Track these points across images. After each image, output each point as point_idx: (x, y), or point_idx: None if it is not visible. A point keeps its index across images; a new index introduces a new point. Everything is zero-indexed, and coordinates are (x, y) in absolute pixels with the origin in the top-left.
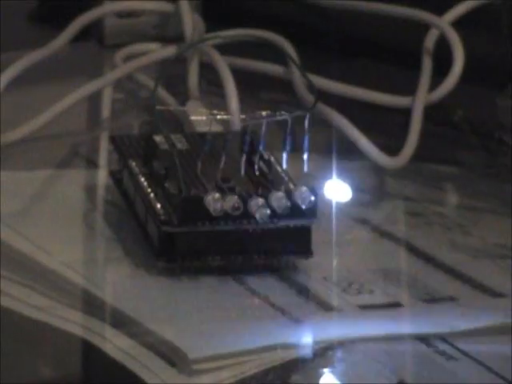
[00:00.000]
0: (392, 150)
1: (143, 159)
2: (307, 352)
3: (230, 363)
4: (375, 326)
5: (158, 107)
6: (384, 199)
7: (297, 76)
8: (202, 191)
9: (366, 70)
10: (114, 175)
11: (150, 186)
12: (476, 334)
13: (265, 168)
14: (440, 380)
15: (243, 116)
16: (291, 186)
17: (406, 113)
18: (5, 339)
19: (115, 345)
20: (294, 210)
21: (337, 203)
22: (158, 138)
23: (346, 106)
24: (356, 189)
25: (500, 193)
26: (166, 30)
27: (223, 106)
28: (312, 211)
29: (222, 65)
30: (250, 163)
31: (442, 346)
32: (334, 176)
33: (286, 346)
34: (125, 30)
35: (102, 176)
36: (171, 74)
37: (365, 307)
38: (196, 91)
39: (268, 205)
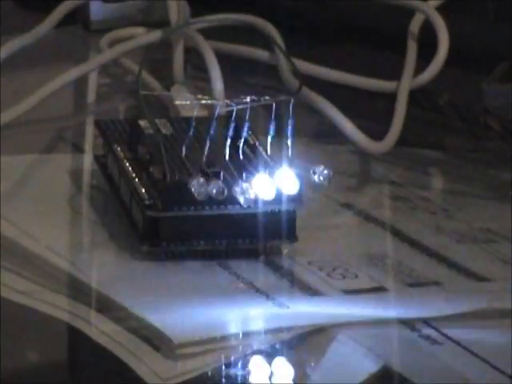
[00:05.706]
0: (377, 134)
1: (128, 144)
2: (292, 337)
3: (215, 348)
4: (360, 311)
5: (142, 92)
6: (369, 184)
7: (282, 61)
8: (187, 176)
9: (351, 54)
10: (98, 160)
11: (134, 170)
12: (460, 319)
13: (249, 153)
14: (424, 364)
15: (228, 101)
16: (276, 170)
17: (392, 97)
18: None
19: (100, 330)
20: (279, 195)
21: (321, 188)
22: (142, 123)
23: (331, 91)
24: (341, 173)
25: (485, 177)
26: (151, 15)
27: (208, 91)
28: (296, 196)
29: (207, 49)
30: (234, 148)
31: (427, 331)
32: (319, 160)
33: (271, 331)
34: (110, 14)
35: (87, 161)
36: (156, 59)
37: (349, 292)
38: (181, 76)
39: (252, 189)
